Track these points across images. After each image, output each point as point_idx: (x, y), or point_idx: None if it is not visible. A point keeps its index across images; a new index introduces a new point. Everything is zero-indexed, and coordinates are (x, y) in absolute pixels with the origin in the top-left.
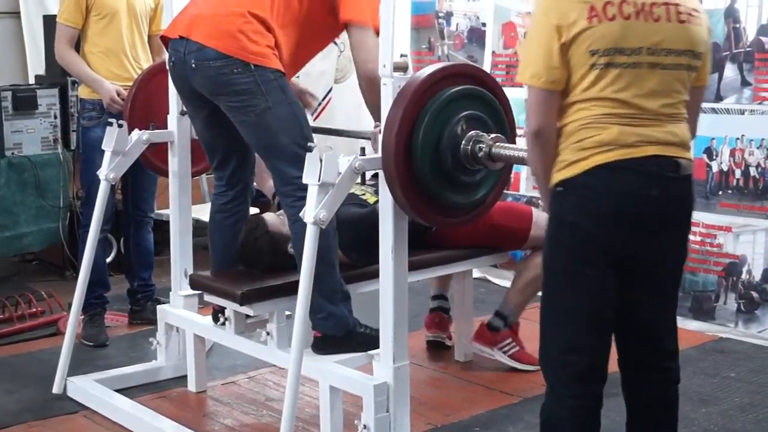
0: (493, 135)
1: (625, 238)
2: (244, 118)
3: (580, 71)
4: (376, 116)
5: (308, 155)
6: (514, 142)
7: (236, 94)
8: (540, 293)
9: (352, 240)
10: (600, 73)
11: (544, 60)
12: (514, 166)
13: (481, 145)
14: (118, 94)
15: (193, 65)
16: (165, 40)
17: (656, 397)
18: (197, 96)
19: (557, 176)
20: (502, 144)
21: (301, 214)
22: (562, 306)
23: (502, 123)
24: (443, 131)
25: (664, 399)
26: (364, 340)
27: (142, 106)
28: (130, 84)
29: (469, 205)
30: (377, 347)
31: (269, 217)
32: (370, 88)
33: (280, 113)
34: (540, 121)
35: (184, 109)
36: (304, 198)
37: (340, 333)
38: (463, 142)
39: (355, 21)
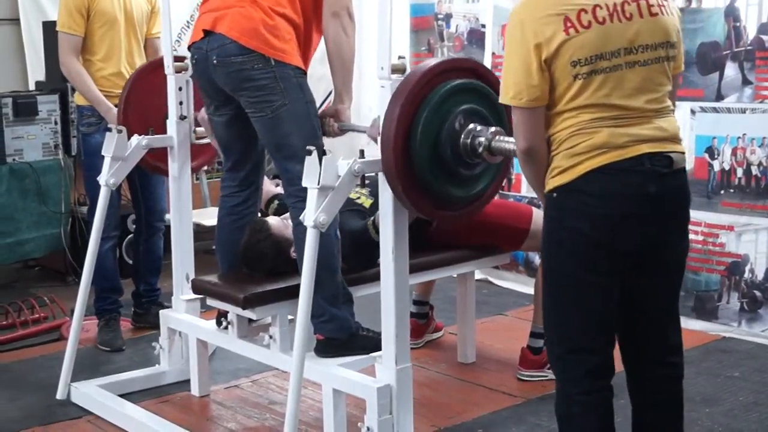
0: (492, 129)
1: (627, 238)
2: (260, 114)
3: (563, 83)
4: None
5: (307, 158)
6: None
7: (255, 89)
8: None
9: (353, 251)
10: (584, 83)
11: (525, 79)
12: (516, 166)
13: (480, 139)
14: None
15: (215, 61)
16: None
17: (662, 393)
18: (221, 94)
19: (551, 183)
20: (501, 138)
21: (301, 218)
22: (565, 308)
23: (501, 116)
24: (442, 125)
25: (669, 395)
26: (367, 342)
27: (137, 107)
28: None
29: (468, 199)
30: (380, 350)
31: (273, 220)
32: (337, 25)
33: (296, 112)
34: (528, 139)
35: (184, 113)
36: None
37: (343, 336)
38: (462, 136)
39: None
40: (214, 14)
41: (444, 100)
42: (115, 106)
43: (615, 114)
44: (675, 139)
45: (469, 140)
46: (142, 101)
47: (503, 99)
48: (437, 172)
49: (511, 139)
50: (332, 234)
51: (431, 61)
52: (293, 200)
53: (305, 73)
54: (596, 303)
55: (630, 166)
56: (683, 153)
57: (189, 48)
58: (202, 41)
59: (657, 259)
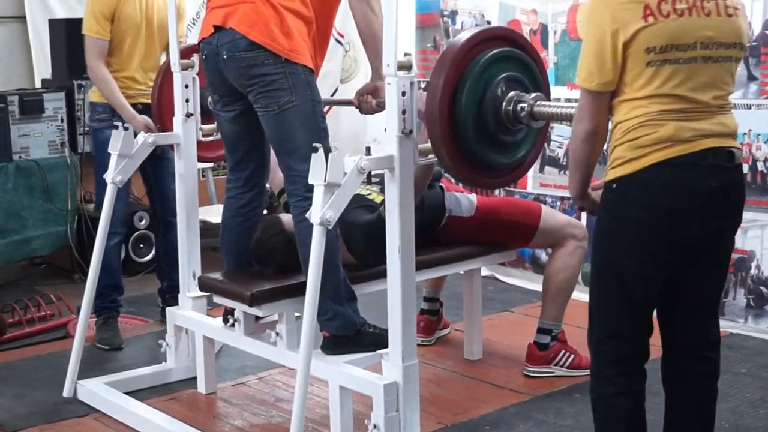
0: (533, 94)
1: (687, 230)
2: (267, 109)
3: (635, 70)
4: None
5: (314, 155)
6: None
7: (264, 84)
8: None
9: (364, 246)
10: (656, 71)
11: (597, 63)
12: None
13: (522, 104)
14: (148, 127)
15: (225, 56)
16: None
17: (696, 388)
18: (230, 90)
19: (612, 173)
20: (542, 102)
21: (307, 215)
22: (608, 295)
23: (539, 83)
24: (485, 93)
25: (703, 391)
26: (373, 339)
27: (170, 96)
28: (140, 93)
29: (510, 165)
30: (386, 346)
31: (286, 217)
32: (364, 2)
33: (303, 110)
34: (596, 121)
35: (190, 111)
36: (310, 198)
37: (348, 333)
38: (504, 102)
39: None
40: (224, 10)
41: (486, 69)
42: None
43: (684, 107)
44: (734, 135)
45: (511, 106)
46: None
47: (577, 81)
48: (481, 139)
49: (554, 103)
50: (333, 231)
51: (471, 30)
52: (295, 199)
53: (314, 73)
54: (640, 293)
55: (694, 159)
56: (741, 149)
57: (199, 44)
58: (212, 36)
59: (711, 252)
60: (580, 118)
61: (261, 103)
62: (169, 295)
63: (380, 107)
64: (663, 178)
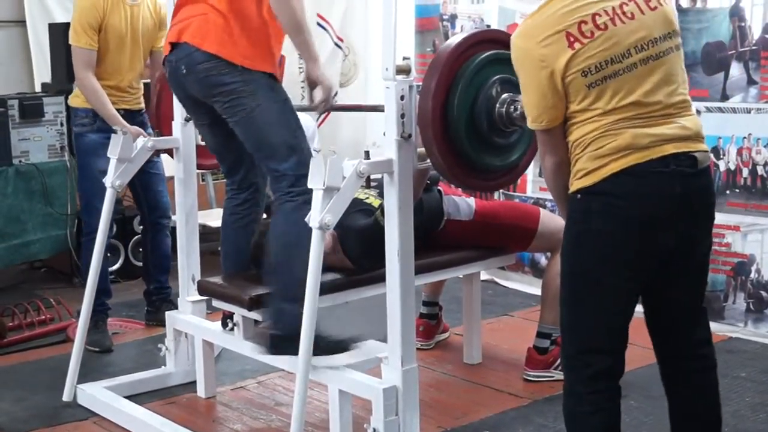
0: None
1: (654, 239)
2: (235, 118)
3: (579, 95)
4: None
5: (312, 160)
6: None
7: (226, 94)
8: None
9: (361, 250)
10: (600, 90)
11: (541, 103)
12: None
13: (516, 105)
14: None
15: (184, 71)
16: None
17: (695, 383)
18: (197, 103)
19: (576, 184)
20: None
21: (306, 219)
22: (581, 309)
23: None
24: (478, 95)
25: (703, 385)
26: (326, 344)
27: (169, 101)
28: (121, 99)
29: (504, 168)
30: (338, 352)
31: None
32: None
33: (270, 112)
34: (556, 154)
35: (189, 115)
36: (294, 193)
37: (287, 332)
38: (497, 104)
39: None
40: (178, 26)
41: (479, 71)
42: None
43: (637, 113)
44: (698, 137)
45: (504, 108)
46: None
47: (528, 124)
48: (474, 142)
49: None
50: (306, 228)
51: (463, 34)
52: (277, 194)
53: (273, 75)
54: (613, 305)
55: (655, 167)
56: (707, 151)
57: (163, 63)
58: (170, 54)
59: (682, 258)
60: (543, 153)
61: (228, 113)
62: (156, 297)
63: (328, 106)
64: (625, 187)
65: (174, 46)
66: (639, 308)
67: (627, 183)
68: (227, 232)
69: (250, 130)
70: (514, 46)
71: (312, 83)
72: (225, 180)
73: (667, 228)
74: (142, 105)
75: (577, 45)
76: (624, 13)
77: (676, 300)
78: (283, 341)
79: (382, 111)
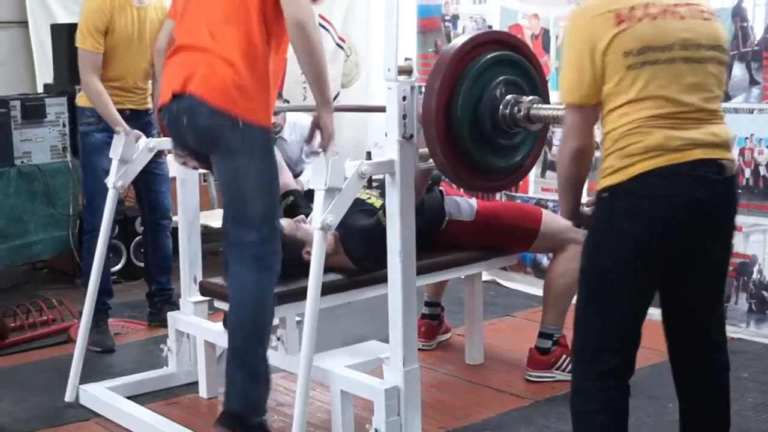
0: (530, 97)
1: (674, 241)
2: (223, 172)
3: (616, 76)
4: (316, 80)
5: (315, 160)
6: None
7: (223, 149)
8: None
9: (362, 251)
10: (637, 73)
11: (577, 77)
12: None
13: (519, 107)
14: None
15: (185, 122)
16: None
17: (709, 385)
18: (194, 151)
19: (603, 182)
20: (539, 105)
21: (308, 219)
22: (597, 308)
23: (537, 87)
24: (482, 95)
25: (716, 386)
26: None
27: None
28: (127, 99)
29: (507, 169)
30: None
31: (284, 222)
32: (300, 35)
33: (258, 175)
34: (582, 138)
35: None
36: (254, 269)
37: (247, 415)
38: (501, 105)
39: None
40: (183, 73)
41: (483, 71)
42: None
43: (671, 111)
44: (726, 145)
45: (507, 109)
46: None
47: (560, 98)
48: (478, 142)
49: (550, 106)
50: (270, 307)
51: (467, 35)
52: (234, 257)
53: (270, 131)
54: (628, 304)
55: (682, 170)
56: (733, 161)
57: (160, 110)
58: (171, 103)
59: (699, 262)
60: (566, 137)
61: (219, 165)
62: (158, 298)
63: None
64: (651, 188)
65: (176, 95)
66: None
67: (654, 184)
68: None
69: (234, 191)
70: (568, 20)
71: (318, 126)
72: None
73: (686, 231)
74: (149, 105)
75: (624, 24)
76: (676, 12)
77: (692, 302)
78: (230, 419)
79: (384, 111)
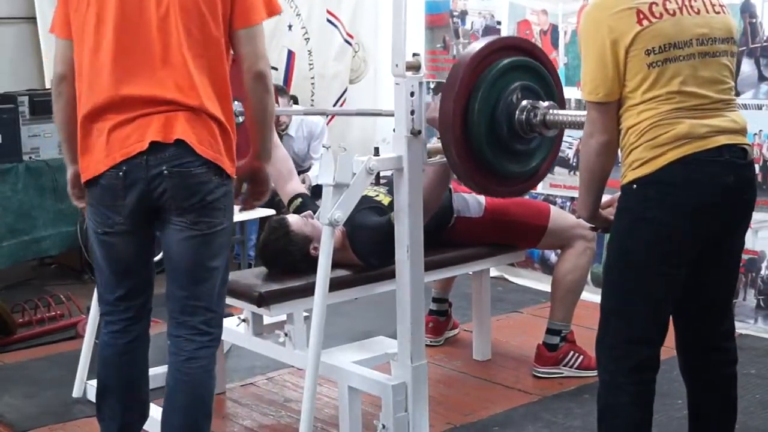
0: (546, 103)
1: (706, 227)
2: (196, 231)
3: (639, 74)
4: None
5: (323, 156)
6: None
7: (203, 203)
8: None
9: (370, 248)
10: (660, 71)
11: (601, 75)
12: None
13: (535, 113)
14: None
15: (166, 171)
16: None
17: (716, 376)
18: (144, 211)
19: (631, 174)
20: (555, 111)
21: (316, 215)
22: (630, 298)
23: (553, 93)
24: (499, 100)
25: (723, 378)
26: None
27: None
28: None
29: (523, 174)
30: None
31: (292, 218)
32: (260, 86)
33: (226, 236)
34: (608, 132)
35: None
36: (209, 334)
37: None
38: (518, 111)
39: (254, 23)
40: (159, 120)
41: (500, 76)
42: None
43: (693, 103)
44: (744, 132)
45: (524, 115)
46: None
47: (582, 95)
48: (494, 148)
49: (567, 112)
50: (212, 387)
51: (483, 41)
52: (190, 332)
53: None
54: (662, 294)
55: (710, 156)
56: (751, 146)
57: (115, 166)
58: (148, 152)
59: (726, 247)
60: (591, 132)
61: (192, 221)
62: None
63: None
64: (682, 176)
65: (156, 144)
66: None
67: (684, 171)
68: (121, 373)
69: (202, 247)
70: (586, 15)
71: (251, 176)
72: (109, 308)
73: (717, 217)
74: None
75: (645, 22)
76: (692, 7)
77: (709, 290)
78: None
79: (392, 116)
